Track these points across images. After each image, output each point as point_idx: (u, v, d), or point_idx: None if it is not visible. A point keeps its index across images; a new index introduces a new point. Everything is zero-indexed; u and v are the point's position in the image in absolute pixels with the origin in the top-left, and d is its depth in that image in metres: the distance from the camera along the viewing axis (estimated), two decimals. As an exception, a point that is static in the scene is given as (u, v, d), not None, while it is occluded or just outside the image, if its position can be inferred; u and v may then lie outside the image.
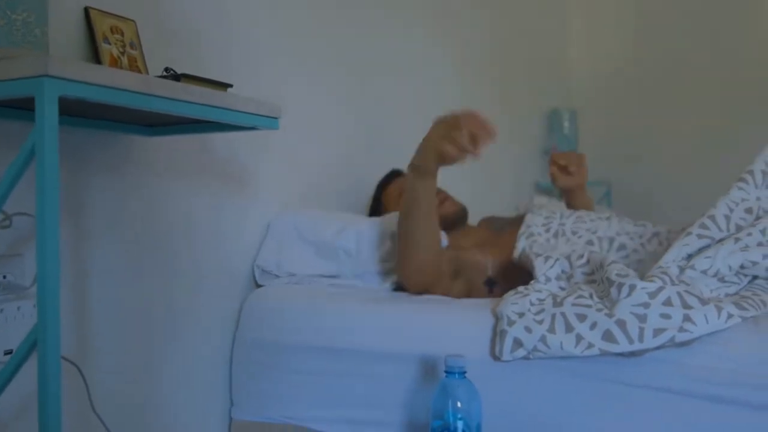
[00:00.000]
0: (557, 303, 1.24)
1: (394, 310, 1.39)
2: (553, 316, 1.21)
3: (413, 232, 1.44)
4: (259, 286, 1.63)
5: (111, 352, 1.32)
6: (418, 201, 1.39)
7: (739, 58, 3.15)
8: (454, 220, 1.80)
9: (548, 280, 1.41)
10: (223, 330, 1.55)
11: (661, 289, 1.16)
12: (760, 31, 3.14)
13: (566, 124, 3.31)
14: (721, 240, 1.30)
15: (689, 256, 1.31)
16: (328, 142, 1.92)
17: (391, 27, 2.23)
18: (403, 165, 2.16)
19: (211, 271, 1.53)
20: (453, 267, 1.59)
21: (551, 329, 1.20)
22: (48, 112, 0.85)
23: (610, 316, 1.16)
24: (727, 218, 1.32)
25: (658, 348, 1.13)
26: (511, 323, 1.23)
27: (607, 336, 1.15)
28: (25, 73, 0.86)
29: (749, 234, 1.28)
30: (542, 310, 1.24)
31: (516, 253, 1.61)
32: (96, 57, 1.23)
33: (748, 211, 1.34)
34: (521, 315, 1.24)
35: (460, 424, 1.18)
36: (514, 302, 1.28)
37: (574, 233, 1.65)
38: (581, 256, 1.41)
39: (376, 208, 1.94)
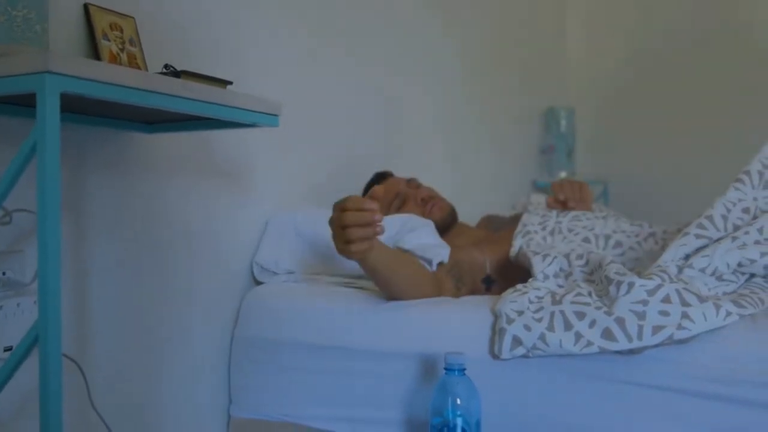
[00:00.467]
0: (556, 301, 1.25)
1: (393, 308, 1.39)
2: (552, 314, 1.22)
3: (395, 292, 1.40)
4: (258, 283, 1.63)
5: (110, 349, 1.31)
6: (376, 276, 1.34)
7: (738, 57, 3.16)
8: (443, 225, 1.79)
9: (546, 277, 1.42)
10: (221, 327, 1.55)
11: (659, 286, 1.17)
12: (759, 30, 3.15)
13: (563, 122, 3.32)
14: (718, 240, 1.31)
15: (687, 256, 1.32)
16: (328, 141, 1.92)
17: (390, 26, 2.23)
18: (403, 162, 2.18)
19: (210, 268, 1.53)
20: (453, 279, 1.58)
21: (550, 327, 1.20)
22: (49, 108, 0.85)
23: (609, 313, 1.17)
24: (725, 218, 1.33)
25: (656, 346, 1.13)
26: (510, 321, 1.24)
27: (606, 334, 1.16)
28: (26, 69, 0.86)
29: (746, 233, 1.29)
30: (541, 308, 1.24)
31: (513, 252, 1.62)
32: (95, 54, 1.22)
33: (746, 211, 1.34)
34: (520, 313, 1.24)
35: (459, 421, 1.18)
36: (512, 300, 1.29)
37: (570, 231, 1.66)
38: (580, 256, 1.42)
39: None
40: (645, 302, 1.15)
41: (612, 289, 1.21)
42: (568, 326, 1.19)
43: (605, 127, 3.49)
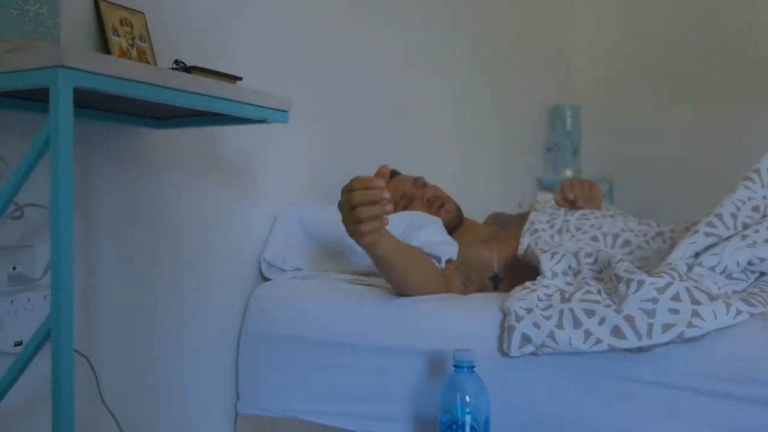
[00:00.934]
0: (565, 299, 1.24)
1: (402, 305, 1.39)
2: (561, 312, 1.22)
3: (404, 285, 1.39)
4: (265, 280, 1.63)
5: (118, 344, 1.32)
6: (385, 267, 1.32)
7: (743, 56, 3.16)
8: (449, 227, 1.79)
9: (555, 275, 1.42)
10: (229, 324, 1.56)
11: (669, 284, 1.16)
12: (763, 27, 3.14)
13: (569, 120, 3.31)
14: (728, 238, 1.31)
15: (696, 254, 1.31)
16: (336, 138, 1.92)
17: (396, 24, 2.23)
18: (410, 160, 2.18)
19: (218, 264, 1.53)
20: (462, 277, 1.58)
21: (559, 325, 1.20)
22: (62, 102, 0.85)
23: (618, 311, 1.17)
24: (734, 216, 1.32)
25: (666, 344, 1.13)
26: (519, 319, 1.24)
27: (616, 332, 1.15)
28: (39, 63, 0.86)
29: (756, 231, 1.28)
30: (550, 306, 1.24)
31: (521, 250, 1.61)
32: (105, 49, 1.22)
33: (755, 209, 1.34)
34: (529, 311, 1.24)
35: (468, 419, 1.18)
36: (521, 298, 1.28)
37: (578, 229, 1.65)
38: (589, 255, 1.41)
39: None
40: (655, 300, 1.15)
41: (621, 287, 1.20)
42: (577, 324, 1.19)
43: (610, 126, 3.49)
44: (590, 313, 1.19)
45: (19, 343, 1.11)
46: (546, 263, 1.44)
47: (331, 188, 1.83)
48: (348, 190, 1.16)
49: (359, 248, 1.28)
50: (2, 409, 0.99)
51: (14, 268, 1.12)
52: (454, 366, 1.20)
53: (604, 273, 1.34)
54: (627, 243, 1.57)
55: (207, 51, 1.47)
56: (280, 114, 1.24)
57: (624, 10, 3.54)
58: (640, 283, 1.18)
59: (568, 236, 1.64)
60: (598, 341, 1.16)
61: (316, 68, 1.85)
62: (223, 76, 1.20)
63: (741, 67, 3.16)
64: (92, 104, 1.15)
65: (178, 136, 1.43)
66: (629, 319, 1.15)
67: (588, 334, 1.17)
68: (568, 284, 1.38)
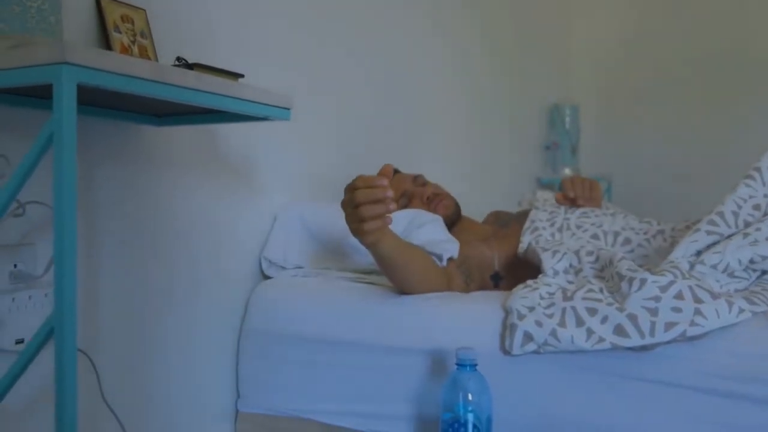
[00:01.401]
0: (567, 297, 1.24)
1: (403, 303, 1.39)
2: (564, 310, 1.22)
3: (406, 284, 1.39)
4: (266, 278, 1.62)
5: (119, 342, 1.31)
6: (388, 266, 1.32)
7: (742, 55, 3.16)
8: (447, 222, 1.79)
9: (556, 273, 1.42)
10: (229, 322, 1.55)
11: (672, 283, 1.16)
12: (762, 26, 3.14)
13: (568, 119, 3.31)
14: (729, 236, 1.31)
15: (698, 253, 1.31)
16: (336, 136, 1.92)
17: (397, 22, 2.22)
18: (409, 158, 2.18)
19: (218, 262, 1.53)
20: (463, 275, 1.58)
21: (562, 323, 1.20)
22: (66, 99, 0.84)
23: (621, 310, 1.17)
24: (735, 215, 1.33)
25: (669, 342, 1.13)
26: (521, 317, 1.23)
27: (619, 330, 1.15)
28: (42, 60, 0.85)
29: (758, 229, 1.28)
30: (552, 304, 1.24)
31: (521, 248, 1.61)
32: (107, 46, 1.22)
33: (756, 207, 1.34)
34: (531, 309, 1.24)
35: (470, 417, 1.18)
36: (523, 296, 1.28)
37: (578, 227, 1.65)
38: (590, 253, 1.41)
39: None
40: (657, 299, 1.15)
41: (624, 285, 1.20)
42: (579, 322, 1.19)
43: (609, 124, 3.49)
44: (593, 312, 1.19)
45: (20, 341, 1.10)
46: (547, 261, 1.44)
47: (332, 186, 1.82)
48: (351, 188, 1.16)
49: (360, 246, 1.27)
50: (3, 407, 0.99)
51: (15, 266, 1.11)
52: (457, 364, 1.20)
53: (606, 271, 1.34)
54: (627, 241, 1.57)
55: (207, 48, 1.47)
56: (283, 111, 1.24)
57: (624, 10, 3.54)
58: (643, 281, 1.18)
59: (569, 234, 1.63)
60: (601, 339, 1.16)
61: (316, 66, 1.84)
62: (225, 74, 1.20)
63: (739, 68, 3.16)
64: (92, 101, 1.14)
65: (177, 134, 1.42)
66: (632, 318, 1.15)
67: (590, 332, 1.17)
68: (570, 282, 1.38)
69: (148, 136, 1.37)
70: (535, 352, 1.22)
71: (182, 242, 1.44)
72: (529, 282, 1.36)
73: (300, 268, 1.62)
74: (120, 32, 1.25)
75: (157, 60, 1.30)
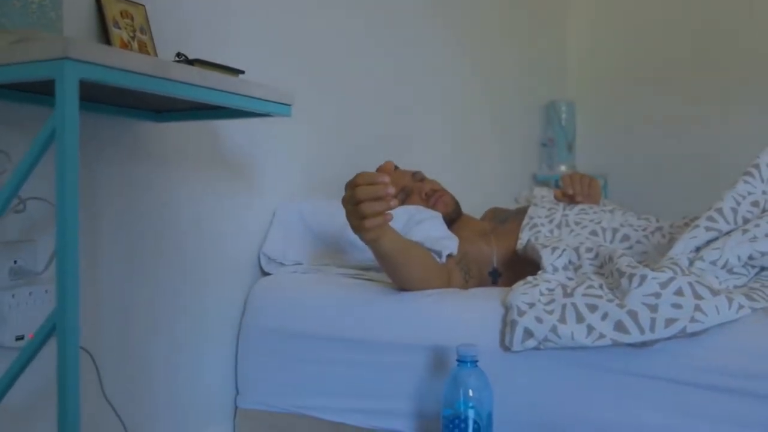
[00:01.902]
0: (567, 293, 1.25)
1: (404, 299, 1.39)
2: (564, 307, 1.22)
3: (406, 281, 1.39)
4: (265, 274, 1.62)
5: (119, 338, 1.31)
6: (388, 263, 1.32)
7: (737, 51, 3.17)
8: (447, 220, 1.79)
9: (555, 270, 1.42)
10: (229, 318, 1.55)
11: (672, 279, 1.17)
12: (758, 23, 3.15)
13: (564, 116, 3.32)
14: (728, 232, 1.31)
15: (697, 249, 1.32)
16: (335, 132, 1.91)
17: (396, 21, 2.22)
18: (407, 155, 2.17)
19: (217, 259, 1.52)
20: (462, 271, 1.58)
21: (562, 319, 1.20)
22: (68, 95, 0.84)
23: (621, 306, 1.17)
24: (734, 211, 1.33)
25: (669, 338, 1.14)
26: (521, 313, 1.24)
27: (619, 326, 1.16)
28: (45, 55, 0.85)
29: (757, 225, 1.29)
30: (552, 301, 1.24)
31: (520, 245, 1.61)
32: (106, 41, 1.22)
33: (755, 204, 1.34)
34: (531, 305, 1.24)
35: (471, 413, 1.18)
36: (523, 292, 1.29)
37: (577, 224, 1.65)
38: (590, 249, 1.41)
39: None
40: (658, 295, 1.16)
41: (624, 281, 1.21)
42: (580, 319, 1.19)
43: (605, 121, 3.50)
44: (593, 308, 1.19)
45: (20, 338, 1.10)
46: (547, 258, 1.44)
47: (330, 182, 1.82)
48: (352, 185, 1.16)
49: (359, 242, 1.27)
50: (5, 404, 0.98)
51: (15, 262, 1.11)
52: (458, 360, 1.20)
53: (606, 268, 1.34)
54: (626, 238, 1.58)
55: (207, 43, 1.46)
56: (284, 107, 1.23)
57: (619, 7, 3.54)
58: (643, 277, 1.18)
59: (567, 231, 1.64)
60: (601, 336, 1.17)
61: (315, 61, 1.84)
62: (226, 69, 1.19)
63: (735, 65, 3.17)
64: (91, 96, 1.14)
65: (176, 129, 1.42)
66: (632, 314, 1.15)
67: (591, 328, 1.18)
68: (569, 279, 1.39)
69: (146, 132, 1.36)
70: (536, 348, 1.22)
71: (180, 238, 1.44)
72: (529, 278, 1.36)
73: (299, 264, 1.62)
74: (119, 28, 1.24)
75: (156, 56, 1.29)
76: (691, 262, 1.27)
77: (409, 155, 2.20)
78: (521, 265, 1.57)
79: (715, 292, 1.15)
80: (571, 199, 1.76)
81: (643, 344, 1.16)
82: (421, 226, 1.58)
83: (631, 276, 1.20)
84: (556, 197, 1.78)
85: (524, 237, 1.63)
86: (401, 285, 1.40)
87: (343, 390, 1.41)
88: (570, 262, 1.43)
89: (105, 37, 1.22)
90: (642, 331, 1.14)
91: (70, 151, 0.84)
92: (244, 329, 1.55)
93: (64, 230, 0.85)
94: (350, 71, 1.99)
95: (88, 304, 1.24)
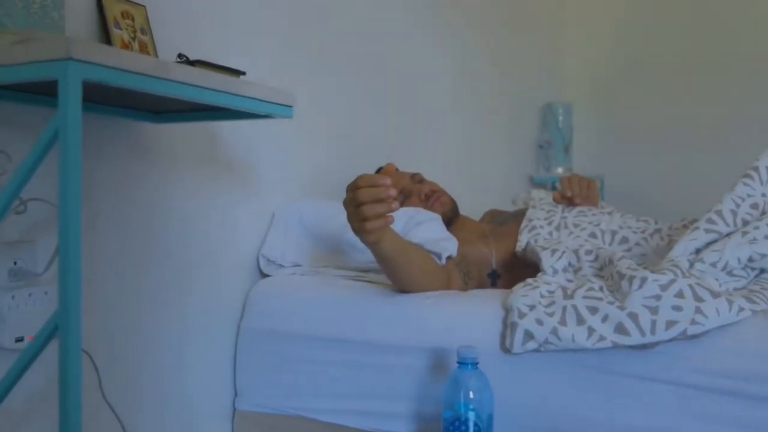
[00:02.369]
0: (568, 296, 1.25)
1: (403, 301, 1.39)
2: (564, 309, 1.22)
3: (406, 283, 1.39)
4: (264, 276, 1.62)
5: (118, 340, 1.30)
6: (389, 264, 1.32)
7: (734, 52, 3.18)
8: (445, 220, 1.79)
9: (555, 272, 1.42)
10: (227, 320, 1.55)
11: (672, 281, 1.17)
12: (755, 24, 3.16)
13: (561, 118, 3.32)
14: (728, 234, 1.32)
15: (697, 251, 1.32)
16: (334, 134, 1.91)
17: (395, 22, 2.22)
18: (406, 157, 2.17)
19: (216, 260, 1.52)
20: (462, 273, 1.58)
21: (562, 322, 1.20)
22: (72, 96, 0.84)
23: (621, 308, 1.17)
24: (734, 213, 1.34)
25: (669, 341, 1.14)
26: (522, 316, 1.24)
27: (620, 328, 1.16)
28: (48, 56, 0.84)
29: (756, 227, 1.29)
30: (553, 303, 1.25)
31: (519, 247, 1.62)
32: (107, 41, 1.21)
33: (754, 206, 1.35)
34: (532, 307, 1.25)
35: (471, 415, 1.18)
36: (524, 295, 1.29)
37: (576, 226, 1.66)
38: (589, 252, 1.42)
39: None
40: (658, 297, 1.16)
41: (624, 284, 1.21)
42: (580, 321, 1.19)
43: (602, 123, 3.50)
44: (593, 310, 1.20)
45: (20, 339, 1.09)
46: (547, 260, 1.44)
47: (330, 184, 1.82)
48: (353, 187, 1.16)
49: (359, 244, 1.27)
50: (5, 405, 0.98)
51: (15, 263, 1.10)
52: (458, 362, 1.20)
53: (606, 270, 1.34)
54: (625, 240, 1.58)
55: (207, 44, 1.46)
56: (285, 109, 1.23)
57: (617, 9, 3.55)
58: (643, 279, 1.18)
59: (566, 233, 1.64)
60: (602, 338, 1.17)
61: (315, 63, 1.84)
62: (227, 70, 1.19)
63: (734, 65, 3.18)
64: (91, 97, 1.13)
65: (175, 130, 1.42)
66: (633, 316, 1.16)
67: (591, 331, 1.18)
68: (569, 281, 1.39)
69: (145, 132, 1.36)
70: (536, 350, 1.22)
71: (180, 240, 1.43)
72: (529, 280, 1.36)
73: (298, 266, 1.62)
74: (120, 28, 1.24)
75: (157, 56, 1.29)
76: (691, 264, 1.28)
77: (408, 157, 2.20)
78: (520, 267, 1.57)
79: (715, 295, 1.15)
80: (569, 202, 1.76)
81: (644, 346, 1.16)
82: (420, 227, 1.58)
83: (632, 278, 1.20)
84: (554, 199, 1.79)
85: (523, 239, 1.63)
86: (401, 287, 1.40)
87: (343, 392, 1.40)
88: (570, 264, 1.44)
89: (106, 37, 1.22)
90: (643, 334, 1.14)
91: (73, 152, 0.84)
92: (243, 331, 1.54)
93: (66, 231, 0.84)
94: (350, 73, 1.99)
95: (86, 304, 1.22)
